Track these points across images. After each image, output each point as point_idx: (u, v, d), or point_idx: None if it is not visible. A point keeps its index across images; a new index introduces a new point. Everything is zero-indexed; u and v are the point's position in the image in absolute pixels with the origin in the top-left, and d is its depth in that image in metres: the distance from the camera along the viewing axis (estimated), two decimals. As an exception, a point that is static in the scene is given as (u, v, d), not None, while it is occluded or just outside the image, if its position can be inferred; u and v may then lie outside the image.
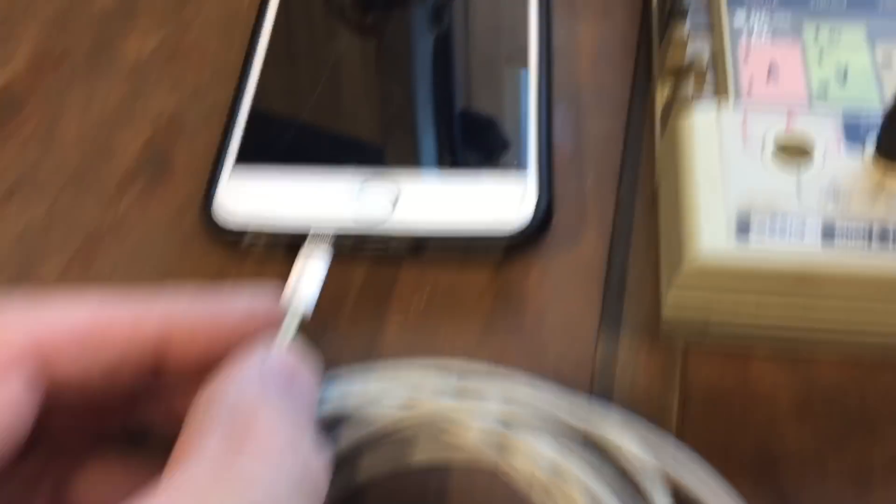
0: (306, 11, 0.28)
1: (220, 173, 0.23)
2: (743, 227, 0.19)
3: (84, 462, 0.17)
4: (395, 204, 0.22)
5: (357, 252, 0.23)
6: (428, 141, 0.24)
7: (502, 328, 0.23)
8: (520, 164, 0.23)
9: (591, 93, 0.28)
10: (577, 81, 0.28)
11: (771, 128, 0.20)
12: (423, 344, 0.23)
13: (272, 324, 0.17)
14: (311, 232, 0.22)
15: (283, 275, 0.20)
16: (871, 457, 0.21)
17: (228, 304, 0.17)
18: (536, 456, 0.18)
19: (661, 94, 0.24)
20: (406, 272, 0.24)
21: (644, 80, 0.28)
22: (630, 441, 0.18)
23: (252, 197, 0.23)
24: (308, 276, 0.20)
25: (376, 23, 0.27)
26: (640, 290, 0.24)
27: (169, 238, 0.25)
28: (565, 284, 0.24)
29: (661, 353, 0.22)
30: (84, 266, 0.24)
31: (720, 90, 0.22)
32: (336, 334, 0.23)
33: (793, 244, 0.18)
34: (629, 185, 0.26)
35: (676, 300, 0.20)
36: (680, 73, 0.23)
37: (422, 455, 0.19)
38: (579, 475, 0.17)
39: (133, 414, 0.18)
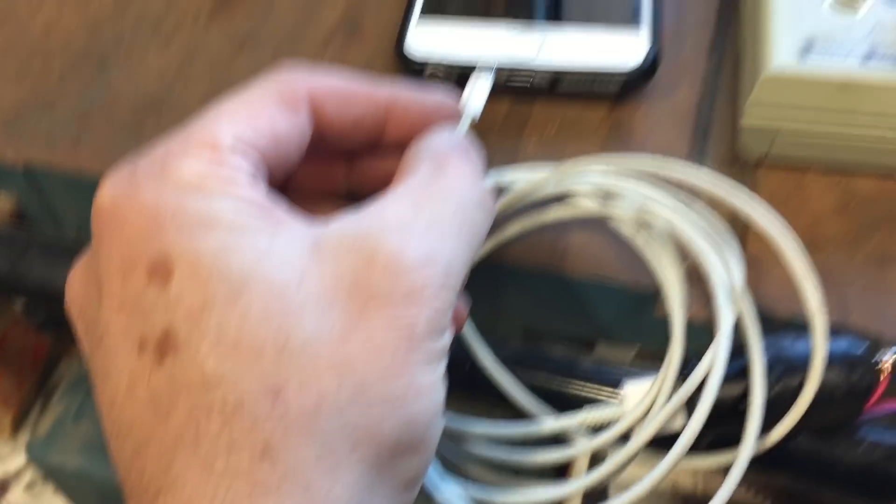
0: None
1: (409, 21, 0.31)
2: (805, 50, 0.26)
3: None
4: (539, 48, 0.30)
5: (510, 83, 0.31)
6: (564, 7, 0.31)
7: (613, 151, 0.31)
8: (636, 21, 0.30)
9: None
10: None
11: (832, -17, 0.27)
12: (552, 158, 0.31)
13: (454, 117, 0.25)
14: (478, 64, 0.30)
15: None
16: (890, 246, 0.27)
17: (430, 94, 0.25)
18: (634, 198, 0.25)
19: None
20: (540, 107, 0.32)
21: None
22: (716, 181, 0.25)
23: (433, 39, 0.31)
24: (477, 92, 0.28)
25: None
26: (721, 131, 0.31)
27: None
28: (664, 123, 0.31)
29: (736, 171, 0.29)
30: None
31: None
32: (486, 145, 0.31)
33: (839, 62, 0.25)
34: (718, 54, 0.33)
35: (752, 109, 0.27)
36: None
37: (551, 215, 0.27)
38: (669, 212, 0.25)
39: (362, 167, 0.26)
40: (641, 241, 0.26)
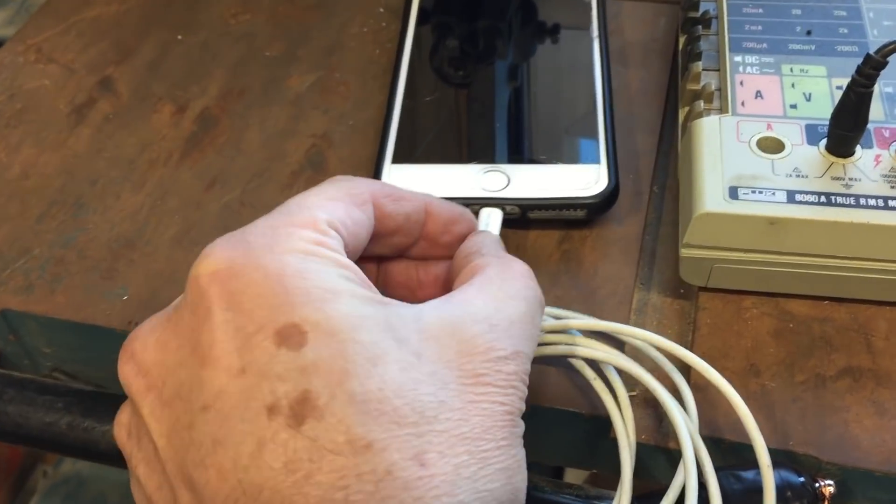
0: (424, 58, 0.38)
1: (381, 167, 0.34)
2: (733, 192, 0.28)
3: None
4: (508, 184, 0.32)
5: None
6: (526, 143, 0.34)
7: (564, 278, 0.32)
8: (595, 156, 0.33)
9: (636, 117, 0.37)
10: (626, 110, 0.38)
11: (756, 131, 0.30)
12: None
13: (473, 225, 0.27)
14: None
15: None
16: (826, 369, 0.29)
17: (451, 204, 0.27)
18: (594, 349, 0.27)
19: (682, 113, 0.33)
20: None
21: (672, 109, 0.38)
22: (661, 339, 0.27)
23: (406, 183, 0.33)
24: (493, 218, 0.30)
25: (472, 74, 0.38)
26: (666, 258, 0.33)
27: (328, 213, 0.35)
28: (612, 251, 0.33)
29: (679, 298, 0.31)
30: (269, 230, 0.35)
31: (723, 107, 0.31)
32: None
33: (766, 201, 0.28)
34: (661, 183, 0.35)
35: (689, 245, 0.29)
36: (696, 97, 0.33)
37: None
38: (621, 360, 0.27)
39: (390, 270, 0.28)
40: (591, 374, 0.28)
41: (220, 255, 0.21)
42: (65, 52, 0.43)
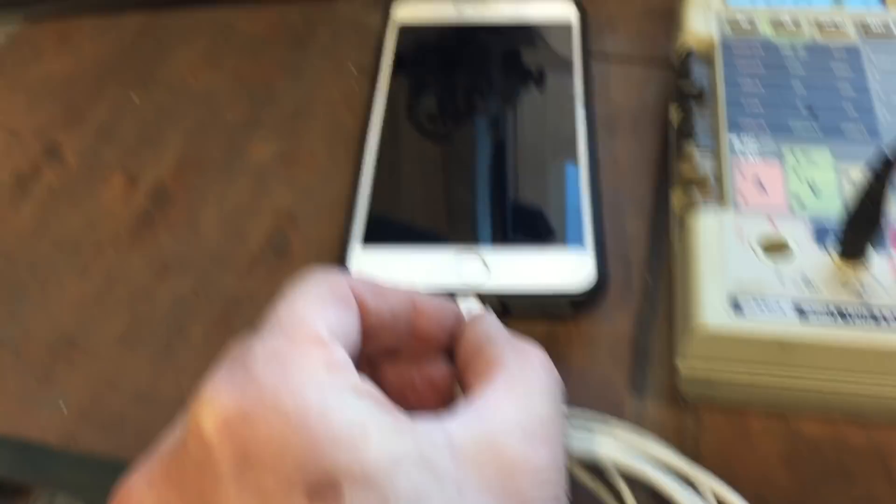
0: (397, 126, 0.35)
1: (348, 249, 0.31)
2: (736, 306, 0.25)
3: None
4: (486, 272, 0.29)
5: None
6: (506, 223, 0.31)
7: (552, 380, 0.29)
8: (580, 241, 0.30)
9: (625, 195, 0.35)
10: (613, 186, 0.35)
11: (759, 229, 0.27)
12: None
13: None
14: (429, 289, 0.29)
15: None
16: (840, 500, 0.26)
17: (443, 301, 0.25)
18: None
19: (677, 198, 0.31)
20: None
21: (664, 187, 0.35)
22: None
23: (376, 266, 0.30)
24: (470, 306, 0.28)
25: (447, 146, 0.35)
26: (661, 363, 0.30)
27: (290, 305, 0.32)
28: (601, 350, 0.30)
29: (678, 410, 0.29)
30: (224, 332, 0.31)
31: (722, 197, 0.28)
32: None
33: (775, 319, 0.25)
34: (654, 271, 0.33)
35: (688, 365, 0.26)
36: (691, 182, 0.30)
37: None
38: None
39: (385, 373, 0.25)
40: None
41: (225, 398, 0.18)
42: (9, 114, 0.40)
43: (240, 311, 0.32)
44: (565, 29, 0.39)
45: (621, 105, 0.38)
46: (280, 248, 0.34)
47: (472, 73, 0.37)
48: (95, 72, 0.42)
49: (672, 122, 0.34)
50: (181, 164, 0.37)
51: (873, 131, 0.30)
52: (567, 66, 0.37)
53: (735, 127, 0.30)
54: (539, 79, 0.37)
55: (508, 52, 0.38)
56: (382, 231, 0.31)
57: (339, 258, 0.31)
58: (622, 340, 0.30)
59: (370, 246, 0.31)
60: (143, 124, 0.39)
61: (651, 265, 0.33)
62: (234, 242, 0.34)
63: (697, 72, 0.33)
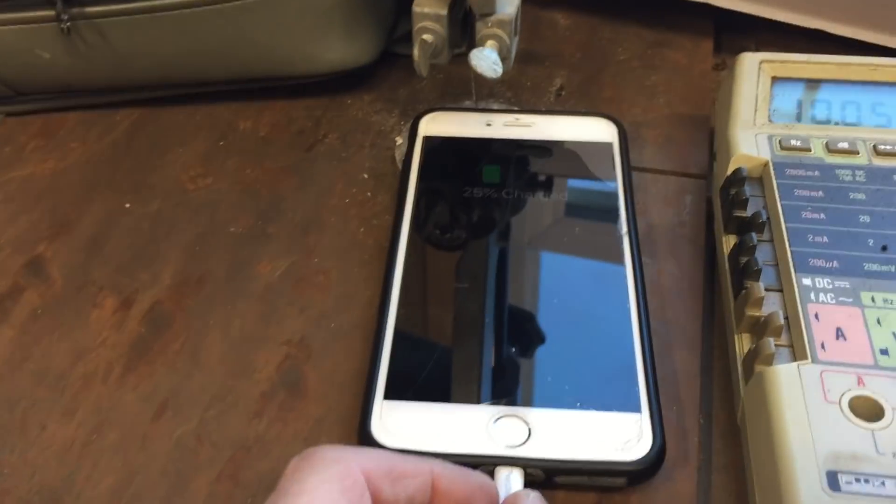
0: (425, 256, 0.32)
1: (372, 400, 0.27)
2: (833, 483, 0.22)
3: None
4: (527, 436, 0.26)
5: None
6: (551, 380, 0.28)
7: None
8: (634, 403, 0.27)
9: (671, 325, 0.32)
10: (660, 317, 0.32)
11: (846, 387, 0.24)
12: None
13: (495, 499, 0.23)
14: (461, 453, 0.26)
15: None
16: None
17: (471, 473, 0.23)
18: None
19: (740, 344, 0.28)
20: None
21: (710, 313, 0.32)
22: None
23: (404, 423, 0.26)
24: (513, 481, 0.25)
25: (488, 271, 0.32)
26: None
27: (307, 454, 0.28)
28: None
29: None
30: (231, 486, 0.28)
31: (797, 348, 0.26)
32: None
33: (877, 497, 0.22)
34: (706, 411, 0.30)
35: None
36: (758, 328, 0.27)
37: None
38: None
39: None
40: None
41: None
42: (-12, 222, 0.36)
43: (249, 459, 0.28)
44: (605, 148, 0.36)
45: (658, 223, 0.36)
46: (292, 383, 0.30)
47: (507, 200, 0.34)
48: (84, 175, 0.39)
49: (722, 250, 0.31)
50: (180, 284, 0.34)
51: (952, 271, 0.27)
52: (610, 194, 0.34)
53: (805, 267, 0.28)
54: (583, 212, 0.34)
55: (544, 176, 0.35)
56: (408, 384, 0.28)
57: (361, 410, 0.27)
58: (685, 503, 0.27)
59: (394, 402, 0.27)
60: (137, 236, 0.36)
61: (703, 404, 0.30)
62: (241, 377, 0.31)
63: (753, 204, 0.31)
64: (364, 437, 0.26)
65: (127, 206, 0.37)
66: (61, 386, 0.30)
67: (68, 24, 0.36)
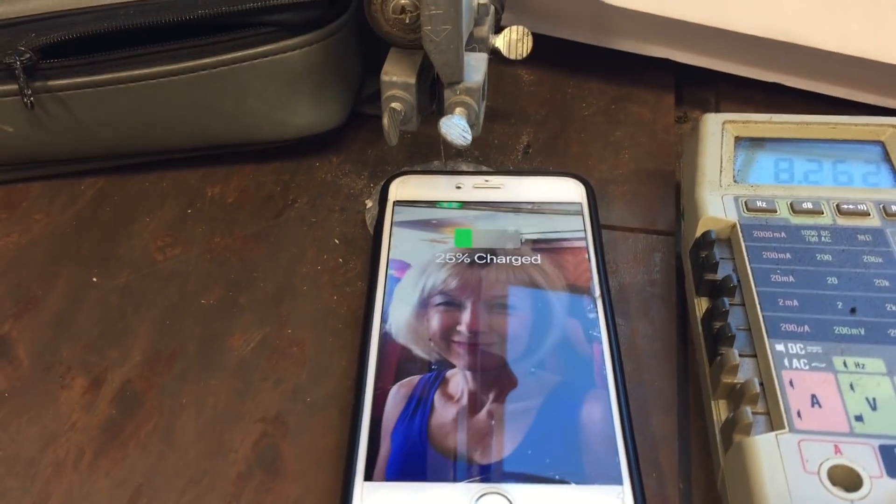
0: (400, 314, 0.32)
1: (352, 486, 0.27)
2: (817, 560, 0.22)
3: None
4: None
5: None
6: (531, 454, 0.28)
7: None
8: (616, 477, 0.27)
9: (647, 389, 0.32)
10: (635, 379, 0.32)
11: (823, 456, 0.24)
12: None
13: None
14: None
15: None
16: None
17: None
18: None
19: (717, 410, 0.28)
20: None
21: (685, 374, 0.33)
22: None
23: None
24: None
25: (460, 354, 0.32)
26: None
27: (287, 537, 0.28)
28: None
29: None
30: (212, 568, 0.27)
31: (774, 416, 0.26)
32: None
33: (858, 572, 0.22)
34: (685, 475, 0.30)
35: None
36: (734, 395, 0.27)
37: None
38: None
39: None
40: None
41: None
42: (-50, 300, 0.36)
43: (227, 546, 0.28)
44: (575, 208, 0.37)
45: (629, 282, 0.36)
46: (269, 463, 0.30)
47: (479, 265, 0.34)
48: (49, 248, 0.38)
49: (695, 314, 0.32)
50: (151, 360, 0.33)
51: (920, 333, 0.28)
52: (581, 257, 0.34)
53: (776, 332, 0.28)
54: (553, 272, 0.34)
55: (515, 239, 0.35)
56: (388, 463, 0.27)
57: (341, 498, 0.27)
58: (666, 570, 0.27)
59: (374, 483, 0.27)
60: (106, 311, 0.35)
61: (682, 468, 0.30)
62: (216, 457, 0.30)
63: (718, 257, 0.31)
64: (346, 519, 0.26)
65: (94, 279, 0.36)
66: (31, 474, 0.30)
67: (31, 98, 0.35)
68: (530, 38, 0.37)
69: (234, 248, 0.38)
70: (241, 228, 0.39)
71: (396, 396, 0.29)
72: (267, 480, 0.29)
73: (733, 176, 0.34)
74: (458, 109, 0.35)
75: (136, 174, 0.42)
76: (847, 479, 0.24)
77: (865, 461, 0.24)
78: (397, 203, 0.37)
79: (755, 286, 0.30)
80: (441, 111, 0.36)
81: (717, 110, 0.45)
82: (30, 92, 0.35)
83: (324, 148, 0.43)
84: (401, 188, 0.38)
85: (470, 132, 0.34)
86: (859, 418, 0.25)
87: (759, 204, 0.33)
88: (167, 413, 0.31)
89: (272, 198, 0.40)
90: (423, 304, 0.33)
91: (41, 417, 0.31)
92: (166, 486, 0.29)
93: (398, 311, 0.32)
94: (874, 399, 0.26)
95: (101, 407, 0.32)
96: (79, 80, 0.36)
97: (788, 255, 0.31)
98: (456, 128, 0.34)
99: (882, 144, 0.35)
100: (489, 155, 0.43)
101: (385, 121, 0.35)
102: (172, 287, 0.36)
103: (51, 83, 0.36)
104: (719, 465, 0.27)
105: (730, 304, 0.30)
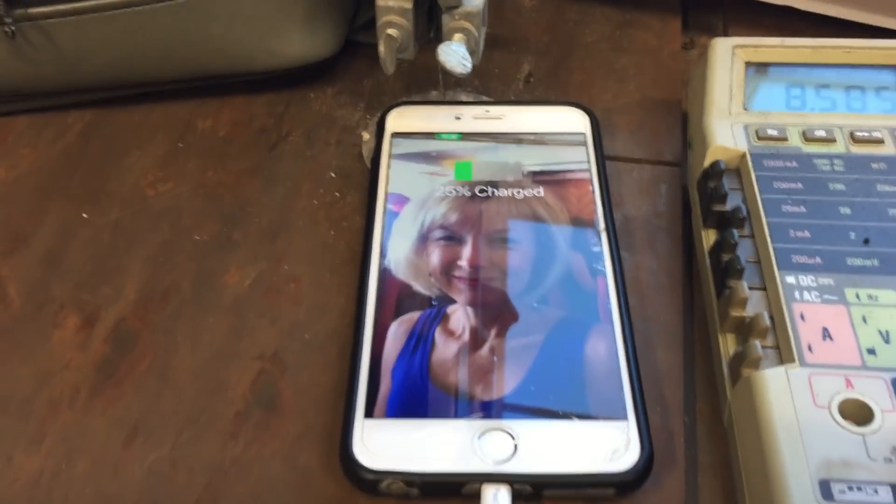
0: (399, 249, 0.31)
1: (352, 420, 0.26)
2: (826, 493, 0.22)
3: None
4: (513, 451, 0.25)
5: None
6: (534, 391, 0.27)
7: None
8: (621, 411, 0.26)
9: (652, 324, 0.31)
10: (640, 314, 0.31)
11: (834, 390, 0.24)
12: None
13: None
14: (446, 472, 0.25)
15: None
16: None
17: None
18: None
19: (725, 344, 0.27)
20: None
21: (689, 309, 0.32)
22: None
23: (388, 443, 0.26)
24: (501, 499, 0.24)
25: (465, 276, 0.31)
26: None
27: (289, 474, 0.27)
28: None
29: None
30: (212, 506, 0.27)
31: (784, 350, 0.25)
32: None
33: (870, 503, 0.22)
34: (692, 415, 0.29)
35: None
36: (743, 329, 0.27)
37: None
38: None
39: None
40: None
41: None
42: (-63, 238, 0.35)
43: (226, 484, 0.27)
44: (579, 139, 0.35)
45: (634, 215, 0.35)
46: (268, 401, 0.29)
47: (481, 198, 0.33)
48: (38, 183, 0.37)
49: (702, 245, 0.31)
50: (144, 298, 0.32)
51: (935, 263, 0.27)
52: (586, 189, 0.33)
53: (788, 264, 0.27)
54: (557, 205, 0.33)
55: (517, 172, 0.34)
56: (389, 400, 0.27)
57: (342, 430, 0.26)
58: (673, 507, 0.27)
59: (375, 420, 0.26)
60: (97, 249, 0.34)
61: (687, 402, 0.29)
62: (214, 396, 0.30)
63: (727, 188, 0.30)
64: (346, 460, 0.26)
65: (85, 216, 0.35)
66: (26, 413, 0.29)
67: (13, 26, 0.34)
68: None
69: (227, 182, 0.37)
70: (233, 162, 0.38)
71: (397, 333, 0.29)
72: (265, 418, 0.29)
73: (743, 103, 0.33)
74: (457, 36, 0.33)
75: (124, 107, 0.40)
76: (858, 413, 0.24)
77: (877, 394, 0.24)
78: (395, 135, 0.36)
79: (765, 217, 0.29)
80: (439, 38, 0.34)
81: (726, 35, 0.44)
82: (10, 21, 0.34)
83: (318, 79, 0.41)
84: (398, 120, 0.37)
85: (470, 60, 0.33)
86: (871, 351, 0.25)
87: (769, 132, 0.31)
88: (162, 351, 0.31)
89: (265, 131, 0.39)
90: (423, 239, 0.32)
91: (34, 356, 0.31)
92: (163, 424, 0.29)
93: (397, 247, 0.32)
94: (887, 332, 0.25)
95: (95, 345, 0.31)
96: (61, 7, 0.35)
97: (800, 185, 0.30)
98: (455, 55, 0.32)
99: (897, 69, 0.34)
100: (489, 84, 0.41)
101: (381, 48, 0.33)
102: (165, 223, 0.35)
103: (32, 11, 0.35)
104: (726, 399, 0.27)
105: (739, 236, 0.29)
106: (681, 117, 0.39)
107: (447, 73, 0.33)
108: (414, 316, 0.29)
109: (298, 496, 0.27)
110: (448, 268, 0.31)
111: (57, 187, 0.37)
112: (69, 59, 0.37)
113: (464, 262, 0.31)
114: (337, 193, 0.36)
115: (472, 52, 0.33)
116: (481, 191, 0.33)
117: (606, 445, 0.26)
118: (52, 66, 0.37)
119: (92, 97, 0.40)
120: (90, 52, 0.37)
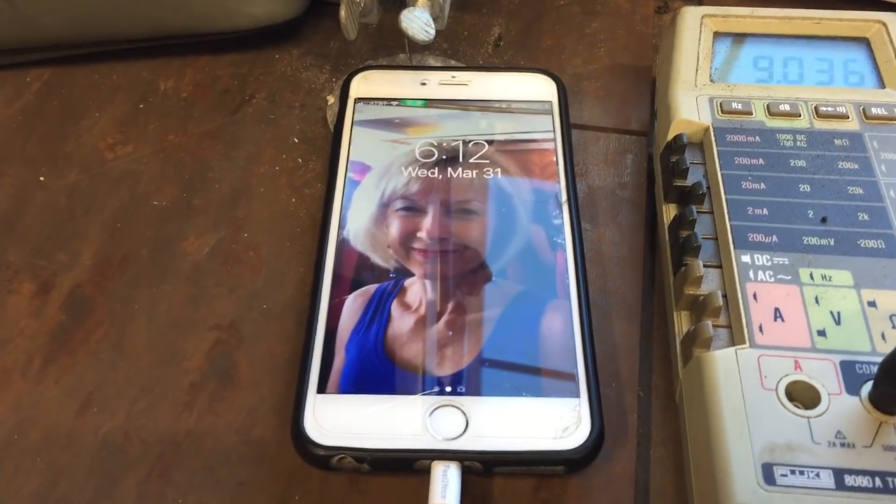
0: (359, 219, 0.31)
1: (304, 397, 0.26)
2: (768, 477, 0.22)
3: None
4: (464, 427, 0.25)
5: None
6: (488, 367, 0.27)
7: (547, 533, 0.26)
8: (573, 389, 0.26)
9: (611, 297, 0.31)
10: (600, 287, 0.31)
11: (783, 372, 0.24)
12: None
13: None
14: (398, 446, 0.25)
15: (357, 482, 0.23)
16: None
17: None
18: None
19: (679, 322, 0.27)
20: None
21: (650, 282, 0.32)
22: None
23: (339, 419, 0.26)
24: (451, 475, 0.24)
25: (423, 249, 0.31)
26: (664, 492, 0.27)
27: (242, 447, 0.27)
28: (602, 497, 0.27)
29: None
30: (162, 485, 0.27)
31: (736, 331, 0.25)
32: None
33: (811, 490, 0.22)
34: (647, 389, 0.29)
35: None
36: (696, 307, 0.27)
37: None
38: None
39: None
40: None
41: None
42: None
43: (179, 456, 0.27)
44: (545, 107, 0.35)
45: (599, 185, 0.35)
46: (223, 372, 0.29)
47: (444, 167, 0.33)
48: (-8, 145, 0.36)
49: (663, 220, 0.31)
50: (101, 265, 0.32)
51: (893, 247, 0.27)
52: (550, 159, 0.33)
53: (743, 242, 0.27)
54: (520, 175, 0.32)
55: (481, 139, 0.34)
56: (342, 376, 0.27)
57: (294, 407, 0.26)
58: (625, 484, 0.27)
59: (327, 396, 0.26)
60: (54, 213, 0.34)
61: (643, 377, 0.30)
62: (169, 365, 0.29)
63: (688, 162, 0.30)
64: (297, 436, 0.26)
65: (41, 178, 0.35)
66: (-22, 382, 0.29)
67: (-38, -17, 0.33)
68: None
69: (189, 146, 0.36)
70: (195, 125, 0.37)
71: (353, 306, 0.29)
72: (220, 389, 0.29)
73: (710, 75, 0.33)
74: (420, 1, 0.32)
75: (84, 65, 0.39)
76: (805, 396, 0.24)
77: (825, 377, 0.24)
78: (358, 100, 0.35)
79: (724, 194, 0.28)
80: (405, 2, 0.34)
81: (700, 3, 0.43)
82: (-40, -24, 0.33)
83: (283, 39, 0.41)
84: (363, 84, 0.36)
85: (433, 26, 0.32)
86: (822, 333, 0.25)
87: (734, 106, 0.31)
88: (118, 320, 0.31)
89: (228, 92, 0.38)
90: (383, 210, 0.31)
91: (-12, 324, 0.30)
92: (117, 394, 0.29)
93: (357, 217, 0.31)
94: (839, 313, 0.25)
95: (50, 313, 0.31)
96: (13, -37, 0.34)
97: (761, 161, 0.30)
98: (417, 21, 0.32)
99: (867, 42, 0.34)
100: (458, 48, 0.40)
101: (342, 12, 0.33)
102: (123, 188, 0.35)
103: (-18, -33, 0.34)
104: (678, 377, 0.27)
105: (698, 213, 0.29)
106: (650, 84, 0.39)
107: (411, 40, 0.33)
108: (371, 289, 0.29)
109: (252, 469, 0.27)
110: (407, 239, 0.30)
111: (13, 149, 0.36)
112: (25, 15, 0.36)
113: (423, 234, 0.31)
114: (300, 159, 0.36)
115: (435, 18, 0.33)
116: (444, 161, 0.33)
117: (557, 423, 0.26)
118: (8, 22, 0.36)
119: (50, 55, 0.39)
120: (46, 8, 0.36)
